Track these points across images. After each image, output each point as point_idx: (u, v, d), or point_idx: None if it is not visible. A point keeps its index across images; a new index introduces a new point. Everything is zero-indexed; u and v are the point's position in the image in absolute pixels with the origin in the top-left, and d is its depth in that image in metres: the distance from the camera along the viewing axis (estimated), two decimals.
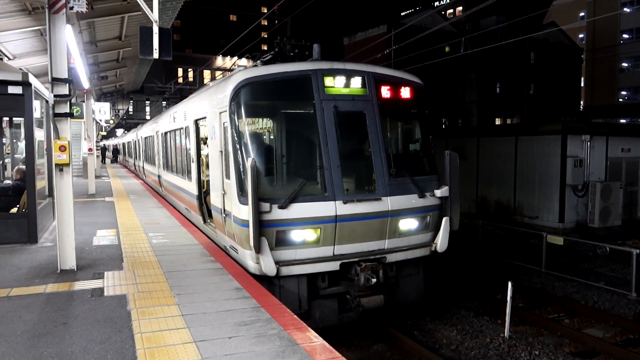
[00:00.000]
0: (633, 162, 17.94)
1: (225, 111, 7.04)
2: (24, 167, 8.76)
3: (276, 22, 76.96)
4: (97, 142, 29.23)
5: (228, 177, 7.11)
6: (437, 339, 8.07)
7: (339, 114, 6.95)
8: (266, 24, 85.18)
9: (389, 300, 7.14)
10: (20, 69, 10.19)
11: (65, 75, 6.60)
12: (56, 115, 6.71)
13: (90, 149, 18.72)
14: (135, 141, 25.11)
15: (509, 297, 8.02)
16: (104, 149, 43.66)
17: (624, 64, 48.08)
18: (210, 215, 8.97)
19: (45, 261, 7.22)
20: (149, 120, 30.10)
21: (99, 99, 28.24)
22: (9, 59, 12.23)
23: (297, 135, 7.41)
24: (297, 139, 7.40)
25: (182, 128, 10.93)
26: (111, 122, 37.39)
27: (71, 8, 6.70)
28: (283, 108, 7.36)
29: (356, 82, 7.20)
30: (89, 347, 4.29)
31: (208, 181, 9.13)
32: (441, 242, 7.57)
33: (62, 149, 6.68)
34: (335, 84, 7.08)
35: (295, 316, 5.03)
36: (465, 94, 52.02)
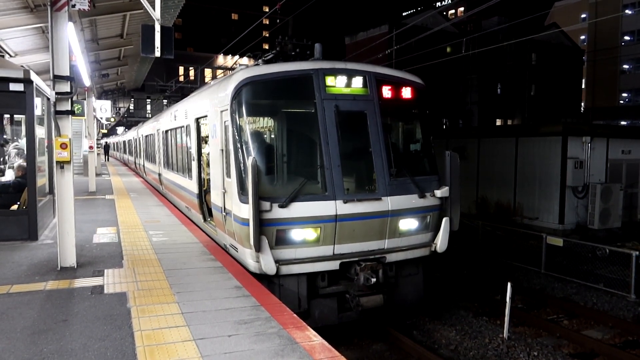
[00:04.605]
0: (633, 164, 17.93)
1: (227, 110, 7.04)
2: (24, 164, 8.77)
3: (278, 21, 76.93)
4: (97, 139, 29.24)
5: (229, 175, 7.12)
6: (436, 339, 8.07)
7: (340, 113, 6.96)
8: (268, 23, 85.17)
9: (388, 300, 7.15)
10: (22, 66, 10.19)
11: (66, 73, 6.61)
12: (57, 112, 6.72)
13: (91, 147, 18.72)
14: (136, 139, 25.11)
15: (508, 297, 8.02)
16: (107, 146, 43.67)
17: (625, 66, 48.08)
18: (210, 214, 8.98)
19: (46, 258, 7.23)
20: (149, 118, 30.11)
21: (100, 96, 28.26)
22: (11, 56, 12.23)
23: (298, 135, 7.42)
24: (298, 138, 7.41)
25: (183, 126, 10.94)
26: (112, 120, 37.37)
27: (73, 6, 6.71)
28: (284, 107, 7.36)
29: (357, 82, 7.21)
30: (89, 344, 4.30)
31: (208, 180, 9.14)
32: (441, 242, 7.57)
33: (63, 146, 6.68)
34: (337, 83, 7.08)
35: (294, 315, 5.04)
36: (466, 95, 52.03)
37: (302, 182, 6.64)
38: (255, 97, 7.00)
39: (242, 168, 6.69)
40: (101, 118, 27.13)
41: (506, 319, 8.06)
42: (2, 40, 11.23)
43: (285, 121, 7.31)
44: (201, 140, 9.80)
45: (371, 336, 7.89)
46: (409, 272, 7.64)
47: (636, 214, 18.05)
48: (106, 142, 48.75)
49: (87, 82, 15.43)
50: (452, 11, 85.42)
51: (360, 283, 6.77)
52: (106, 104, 25.21)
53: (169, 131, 13.14)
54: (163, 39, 6.87)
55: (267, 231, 6.41)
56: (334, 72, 7.10)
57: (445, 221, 7.58)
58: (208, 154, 9.17)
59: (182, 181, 11.31)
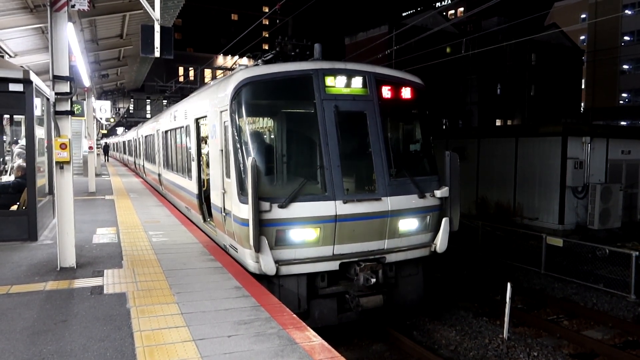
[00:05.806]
0: (633, 164, 17.94)
1: (226, 110, 7.04)
2: (24, 164, 8.77)
3: (277, 21, 76.95)
4: (97, 140, 29.25)
5: (228, 176, 7.12)
6: (436, 339, 8.07)
7: (340, 113, 6.95)
8: (267, 23, 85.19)
9: (388, 300, 7.14)
10: (22, 66, 10.20)
11: (66, 73, 6.61)
12: (57, 113, 6.72)
13: (90, 147, 18.72)
14: (135, 139, 25.12)
15: (508, 298, 8.02)
16: (106, 147, 43.69)
17: (625, 66, 48.14)
18: (210, 214, 8.98)
19: (45, 259, 7.22)
20: (149, 118, 30.10)
21: (99, 97, 28.26)
22: (10, 56, 12.22)
23: (298, 135, 7.41)
24: (297, 138, 7.40)
25: (182, 127, 10.94)
26: (112, 120, 37.37)
27: (73, 6, 6.71)
28: (284, 107, 7.36)
29: (357, 82, 7.21)
30: (89, 344, 4.30)
31: (208, 180, 9.14)
32: (441, 242, 7.57)
33: (63, 146, 6.68)
34: (336, 83, 7.08)
35: (294, 315, 5.03)
36: (466, 95, 52.03)
37: (302, 183, 6.63)
38: (254, 97, 7.00)
39: (241, 168, 6.69)
40: (101, 118, 27.15)
41: (506, 319, 8.06)
42: (2, 41, 11.23)
43: (284, 121, 7.31)
44: (201, 141, 9.79)
45: (371, 336, 7.89)
46: (409, 272, 7.63)
47: (636, 214, 18.05)
48: (106, 143, 48.76)
49: (86, 82, 15.43)
50: (452, 11, 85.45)
51: (360, 283, 6.76)
52: (106, 105, 25.21)
53: (169, 131, 13.14)
54: (163, 39, 6.87)
55: (266, 231, 6.41)
56: (334, 73, 7.10)
57: (445, 221, 7.58)
58: (208, 154, 9.16)
59: (181, 181, 11.30)
